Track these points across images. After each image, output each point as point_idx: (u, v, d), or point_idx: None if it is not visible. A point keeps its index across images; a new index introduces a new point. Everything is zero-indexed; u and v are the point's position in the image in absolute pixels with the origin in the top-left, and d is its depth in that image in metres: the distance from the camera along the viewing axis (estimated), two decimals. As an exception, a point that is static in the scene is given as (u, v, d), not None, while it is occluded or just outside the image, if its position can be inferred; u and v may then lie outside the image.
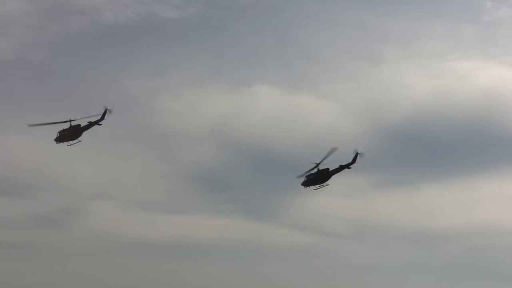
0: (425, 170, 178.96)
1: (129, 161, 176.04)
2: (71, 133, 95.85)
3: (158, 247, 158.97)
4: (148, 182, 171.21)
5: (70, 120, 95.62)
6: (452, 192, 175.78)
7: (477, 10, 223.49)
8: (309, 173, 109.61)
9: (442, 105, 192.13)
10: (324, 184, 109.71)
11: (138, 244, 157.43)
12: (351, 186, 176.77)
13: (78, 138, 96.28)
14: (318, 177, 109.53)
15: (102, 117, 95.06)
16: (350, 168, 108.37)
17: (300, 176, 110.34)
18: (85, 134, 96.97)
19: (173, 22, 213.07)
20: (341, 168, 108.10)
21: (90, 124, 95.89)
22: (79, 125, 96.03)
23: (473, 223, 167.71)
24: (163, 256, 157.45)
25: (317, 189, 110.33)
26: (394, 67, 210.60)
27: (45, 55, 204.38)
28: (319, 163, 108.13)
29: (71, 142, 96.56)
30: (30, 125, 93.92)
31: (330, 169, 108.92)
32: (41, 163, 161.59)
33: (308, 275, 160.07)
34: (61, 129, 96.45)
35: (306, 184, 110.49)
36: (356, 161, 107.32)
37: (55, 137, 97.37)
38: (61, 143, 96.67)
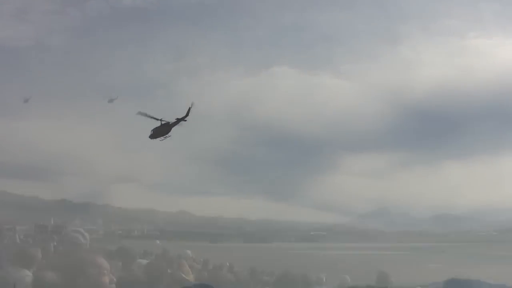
0: (446, 148, 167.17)
1: (151, 144, 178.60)
2: None
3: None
4: (170, 165, 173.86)
5: None
6: (475, 170, 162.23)
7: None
8: (154, 128, 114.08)
9: (462, 83, 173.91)
10: (167, 135, 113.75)
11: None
12: (372, 165, 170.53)
13: None
14: (161, 130, 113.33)
15: None
16: (185, 120, 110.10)
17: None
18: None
19: (191, 4, 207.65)
20: (178, 120, 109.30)
21: None
22: None
23: (497, 201, 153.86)
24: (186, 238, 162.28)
25: (162, 140, 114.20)
26: (413, 46, 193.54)
27: (64, 40, 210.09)
28: (161, 120, 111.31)
29: None
30: None
31: (170, 123, 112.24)
32: (63, 148, 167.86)
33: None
34: None
35: (152, 136, 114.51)
36: (189, 114, 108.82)
37: None
38: None
